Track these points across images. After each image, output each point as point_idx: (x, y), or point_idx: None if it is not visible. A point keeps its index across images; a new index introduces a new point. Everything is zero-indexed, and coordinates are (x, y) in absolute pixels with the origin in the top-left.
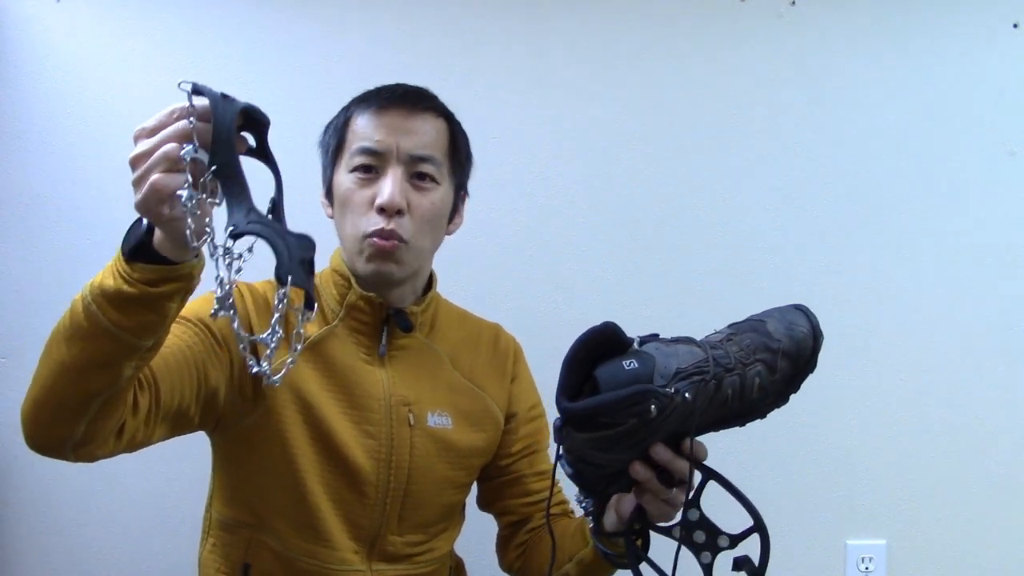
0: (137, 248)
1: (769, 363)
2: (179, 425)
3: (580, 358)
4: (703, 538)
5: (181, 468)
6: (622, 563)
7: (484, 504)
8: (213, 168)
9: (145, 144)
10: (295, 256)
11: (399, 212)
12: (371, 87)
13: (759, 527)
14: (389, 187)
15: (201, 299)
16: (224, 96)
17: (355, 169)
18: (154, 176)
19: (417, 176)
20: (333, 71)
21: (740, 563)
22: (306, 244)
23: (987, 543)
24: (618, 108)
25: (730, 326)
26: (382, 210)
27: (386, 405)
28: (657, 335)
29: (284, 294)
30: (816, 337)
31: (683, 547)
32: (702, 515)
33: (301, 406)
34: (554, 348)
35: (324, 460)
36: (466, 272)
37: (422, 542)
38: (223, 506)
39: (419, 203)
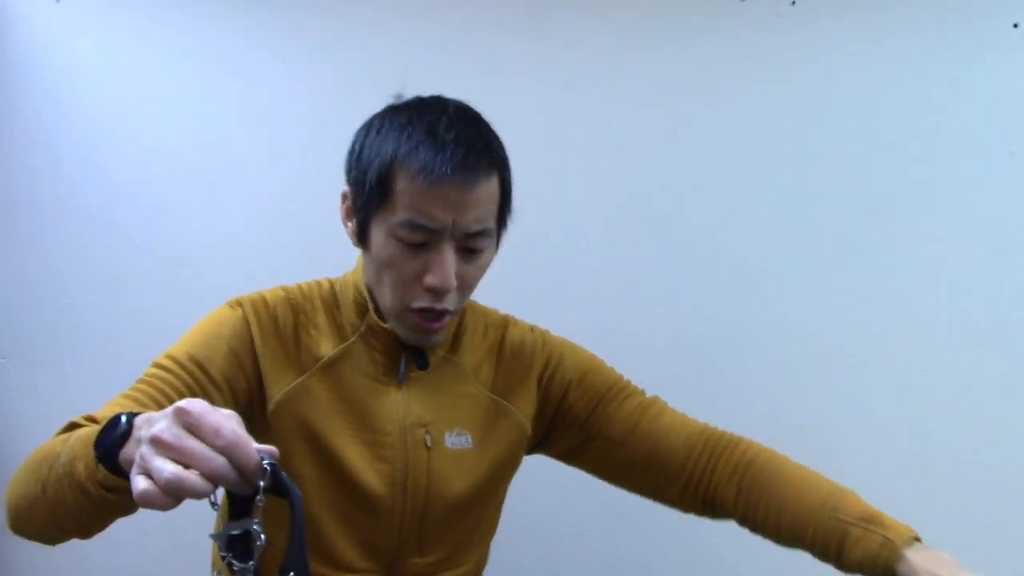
0: (110, 447)
1: None
2: None
3: None
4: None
5: None
6: None
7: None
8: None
9: (195, 447)
10: None
11: None
12: (411, 105)
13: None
14: (443, 269)
15: (197, 333)
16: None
17: (401, 239)
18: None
19: (469, 248)
20: (334, 68)
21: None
22: None
23: (987, 543)
24: (617, 108)
25: None
26: (431, 288)
27: (401, 427)
28: None
29: None
30: None
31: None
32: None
33: (307, 435)
34: None
35: (334, 485)
36: None
37: (448, 557)
38: None
39: (468, 273)
